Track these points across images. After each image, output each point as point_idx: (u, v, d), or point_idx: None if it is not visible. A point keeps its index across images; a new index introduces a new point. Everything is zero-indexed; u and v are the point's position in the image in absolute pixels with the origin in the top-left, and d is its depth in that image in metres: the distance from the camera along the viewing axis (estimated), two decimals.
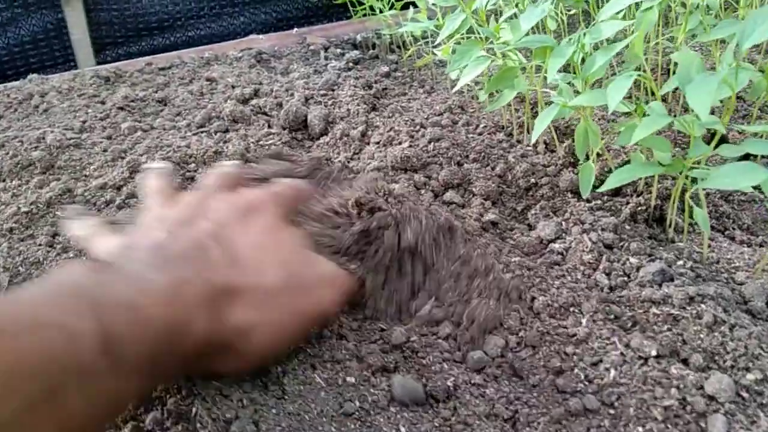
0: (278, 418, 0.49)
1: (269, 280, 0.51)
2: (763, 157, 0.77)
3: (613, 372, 0.52)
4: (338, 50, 1.35)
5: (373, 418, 0.51)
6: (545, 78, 0.78)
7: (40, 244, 0.75)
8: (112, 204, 0.82)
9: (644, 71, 0.68)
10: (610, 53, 0.62)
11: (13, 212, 0.80)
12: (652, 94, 0.84)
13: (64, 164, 0.91)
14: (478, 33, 0.83)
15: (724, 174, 0.51)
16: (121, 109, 1.11)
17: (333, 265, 0.57)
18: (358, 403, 0.52)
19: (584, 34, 0.66)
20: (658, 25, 0.94)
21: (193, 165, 0.88)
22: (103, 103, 1.16)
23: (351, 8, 1.42)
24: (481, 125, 0.91)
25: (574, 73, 0.73)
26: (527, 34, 0.69)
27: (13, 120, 1.11)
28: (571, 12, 1.12)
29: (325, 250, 0.59)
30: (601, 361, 0.54)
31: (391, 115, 0.97)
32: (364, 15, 1.38)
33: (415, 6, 1.21)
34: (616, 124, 0.89)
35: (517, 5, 0.89)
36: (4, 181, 0.90)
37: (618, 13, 0.71)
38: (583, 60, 0.66)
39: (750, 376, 0.50)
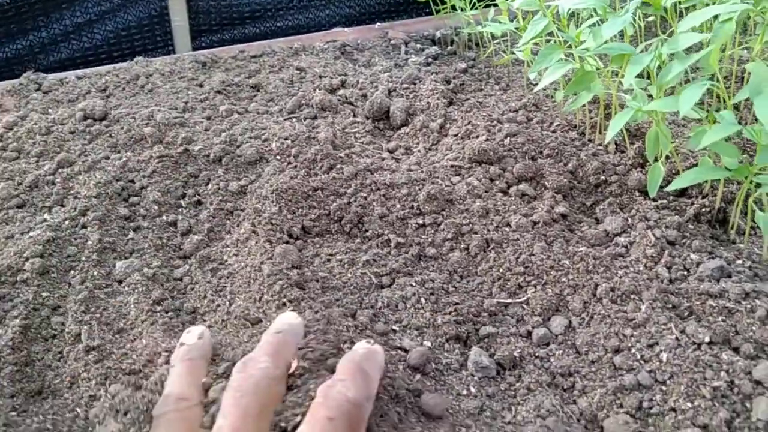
0: None
1: None
2: None
3: (667, 354, 0.58)
4: (418, 45, 1.41)
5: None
6: (620, 82, 0.82)
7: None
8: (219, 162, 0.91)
9: (717, 80, 0.72)
10: (686, 63, 0.66)
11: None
12: (724, 102, 0.88)
13: (171, 140, 1.01)
14: (559, 37, 0.88)
15: None
16: (219, 92, 1.21)
17: None
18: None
19: (662, 44, 0.70)
20: (736, 34, 0.97)
21: (290, 146, 0.96)
22: (201, 86, 1.26)
23: (433, 6, 1.48)
24: (555, 123, 0.96)
25: (649, 78, 0.78)
26: (607, 41, 0.74)
27: (123, 98, 1.23)
28: (649, 18, 1.15)
29: None
30: (656, 343, 0.59)
31: (469, 109, 1.03)
32: (446, 12, 1.44)
33: (496, 5, 1.26)
34: (687, 129, 0.92)
35: (595, 11, 0.94)
36: (119, 152, 1.01)
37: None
38: (659, 68, 0.71)
39: None
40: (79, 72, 1.36)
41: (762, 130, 0.62)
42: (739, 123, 0.63)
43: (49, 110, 1.17)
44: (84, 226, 0.84)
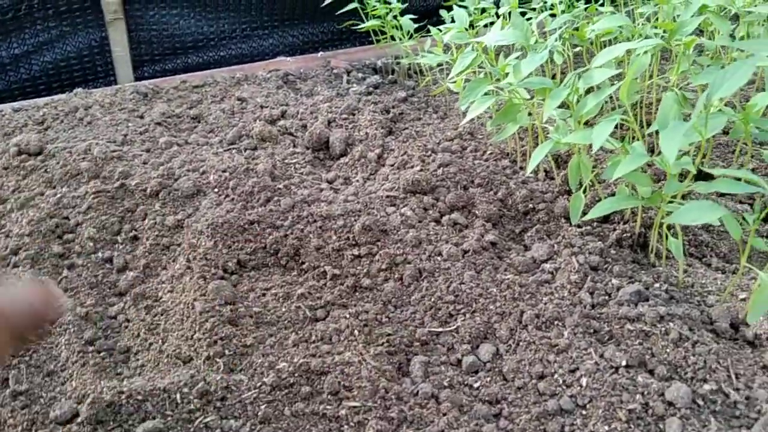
0: None
1: None
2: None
3: (587, 378, 0.60)
4: (360, 74, 1.44)
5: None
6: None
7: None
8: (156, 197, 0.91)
9: (633, 111, 0.76)
10: (600, 96, 0.70)
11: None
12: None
13: (108, 175, 1.01)
14: (488, 69, 0.91)
15: (687, 210, 0.59)
16: (159, 124, 1.21)
17: None
18: None
19: (578, 78, 0.74)
20: (653, 63, 1.02)
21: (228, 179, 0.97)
22: (141, 117, 1.26)
23: (373, 35, 1.51)
24: (488, 152, 0.99)
25: (570, 109, 0.81)
26: (530, 75, 0.78)
27: (60, 131, 1.22)
28: (576, 48, 1.20)
29: None
30: (578, 368, 0.61)
31: (405, 139, 1.05)
32: (386, 42, 1.47)
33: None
34: (610, 155, 0.96)
35: (522, 47, 0.97)
36: (54, 188, 1.00)
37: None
38: (578, 100, 0.75)
39: (706, 387, 0.58)
40: (16, 105, 1.34)
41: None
42: (652, 153, 0.66)
43: None
44: (15, 266, 0.83)
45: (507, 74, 0.85)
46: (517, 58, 0.88)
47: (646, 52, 0.84)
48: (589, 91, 0.75)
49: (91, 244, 0.87)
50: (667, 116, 0.66)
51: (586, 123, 0.81)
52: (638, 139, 0.70)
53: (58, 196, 0.96)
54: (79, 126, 1.24)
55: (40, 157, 1.08)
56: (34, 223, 0.89)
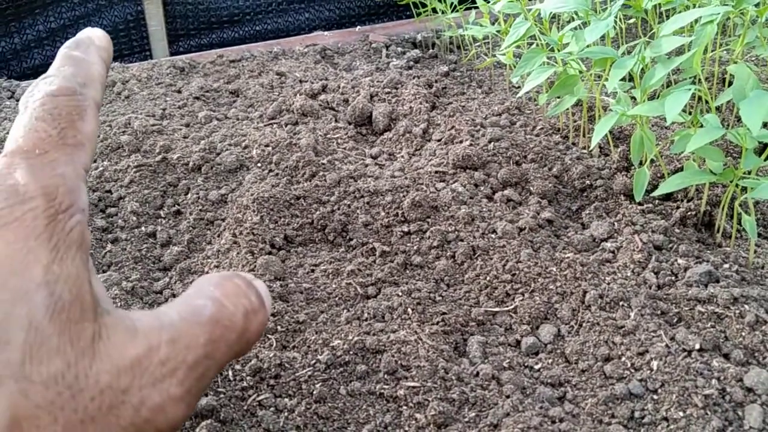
0: None
1: None
2: None
3: (657, 362, 0.57)
4: (399, 49, 1.40)
5: None
6: (604, 86, 0.82)
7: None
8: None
9: (700, 83, 0.72)
10: (669, 66, 0.66)
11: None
12: (707, 104, 0.88)
13: (149, 149, 0.99)
14: (541, 40, 0.88)
15: None
16: (197, 98, 1.19)
17: None
18: None
19: (644, 47, 0.70)
20: (717, 35, 0.97)
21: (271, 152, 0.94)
22: (179, 92, 1.24)
23: (413, 8, 1.47)
24: (538, 127, 0.96)
25: (632, 81, 0.77)
26: (590, 45, 0.74)
27: None
28: (630, 20, 1.15)
29: None
30: (647, 351, 0.58)
31: (452, 114, 1.02)
32: (426, 15, 1.43)
33: (477, 7, 1.25)
34: (670, 131, 0.92)
35: (577, 14, 0.93)
36: (95, 162, 0.98)
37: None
38: (642, 71, 0.71)
39: None
40: None
41: (746, 133, 0.62)
42: (722, 125, 0.63)
43: None
44: None
45: (564, 45, 0.81)
46: (573, 29, 0.84)
47: (712, 21, 0.80)
48: (653, 62, 0.71)
49: (134, 218, 0.86)
50: (743, 87, 0.62)
51: (648, 95, 0.77)
52: (709, 112, 0.66)
53: (100, 169, 0.94)
54: (117, 100, 1.22)
55: None
56: None
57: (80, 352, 0.29)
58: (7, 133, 1.05)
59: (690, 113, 0.67)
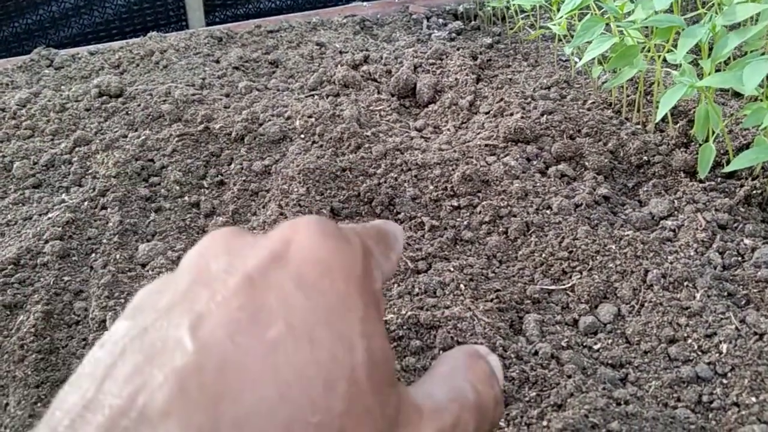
0: None
1: None
2: None
3: (727, 345, 0.54)
4: (440, 20, 1.37)
5: None
6: (664, 58, 0.78)
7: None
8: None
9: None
10: (743, 36, 0.62)
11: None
12: None
13: (191, 118, 0.98)
14: (596, 10, 0.84)
15: None
16: (236, 68, 1.17)
17: None
18: None
19: (715, 15, 0.66)
20: None
21: (314, 124, 0.92)
22: (218, 62, 1.22)
23: None
24: (590, 101, 0.93)
25: (694, 53, 0.74)
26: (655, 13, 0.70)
27: (137, 75, 1.19)
28: None
29: None
30: (715, 333, 0.56)
31: (500, 86, 0.99)
32: None
33: None
34: (726, 106, 0.88)
35: None
36: (137, 130, 0.98)
37: None
38: (710, 41, 0.67)
39: None
40: (92, 47, 1.32)
41: None
42: None
43: (63, 87, 1.13)
44: (104, 207, 0.81)
45: (625, 14, 0.78)
46: None
47: None
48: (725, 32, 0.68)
49: (177, 187, 0.85)
50: None
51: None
52: None
53: (142, 138, 0.93)
54: (156, 69, 1.21)
55: (120, 99, 1.06)
56: (120, 164, 0.87)
57: (388, 422, 0.26)
58: (49, 101, 1.04)
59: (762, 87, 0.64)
